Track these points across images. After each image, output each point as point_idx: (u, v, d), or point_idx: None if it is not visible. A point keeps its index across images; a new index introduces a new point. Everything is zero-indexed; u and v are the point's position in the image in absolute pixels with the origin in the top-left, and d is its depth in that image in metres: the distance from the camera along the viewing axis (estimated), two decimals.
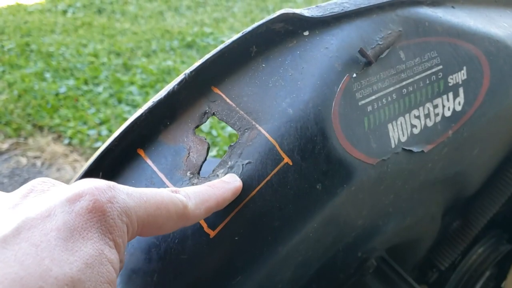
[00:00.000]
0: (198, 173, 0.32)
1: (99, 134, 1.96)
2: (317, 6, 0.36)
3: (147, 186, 0.32)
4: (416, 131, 0.37)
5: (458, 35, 0.41)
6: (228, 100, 0.33)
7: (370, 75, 0.34)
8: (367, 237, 0.41)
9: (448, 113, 0.39)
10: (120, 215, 0.23)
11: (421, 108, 0.38)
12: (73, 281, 0.20)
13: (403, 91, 0.36)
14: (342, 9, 0.35)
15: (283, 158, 0.31)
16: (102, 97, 2.27)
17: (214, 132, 1.93)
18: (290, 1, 4.24)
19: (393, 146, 0.35)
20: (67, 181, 1.75)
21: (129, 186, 0.25)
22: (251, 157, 0.31)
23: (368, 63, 0.34)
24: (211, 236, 0.30)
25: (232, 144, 0.32)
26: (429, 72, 0.38)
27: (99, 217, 0.22)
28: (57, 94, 2.33)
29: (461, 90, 0.40)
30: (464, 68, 0.40)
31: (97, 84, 2.45)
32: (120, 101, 2.26)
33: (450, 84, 0.40)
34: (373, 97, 0.34)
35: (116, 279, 0.23)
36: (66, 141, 1.98)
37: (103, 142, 1.88)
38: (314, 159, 0.31)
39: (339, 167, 0.32)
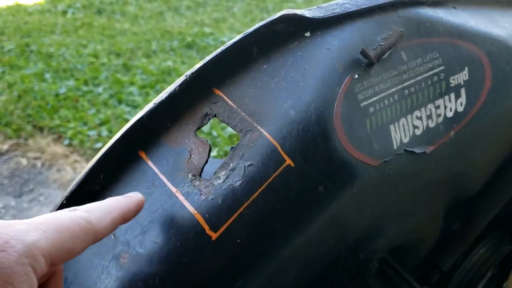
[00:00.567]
0: (200, 175, 0.32)
1: (100, 135, 1.96)
2: (318, 7, 0.36)
3: (148, 188, 0.32)
4: (418, 132, 0.37)
5: (460, 35, 0.41)
6: (229, 102, 0.33)
7: (372, 76, 0.34)
8: (369, 238, 0.41)
9: (450, 114, 0.39)
10: (18, 259, 0.20)
11: (423, 109, 0.37)
12: None
13: (405, 92, 0.36)
14: (344, 10, 0.35)
15: (285, 160, 0.31)
16: (102, 97, 2.27)
17: (214, 133, 1.93)
18: (290, 1, 4.24)
19: (395, 147, 0.35)
20: (68, 182, 1.75)
21: (20, 220, 0.23)
22: (253, 159, 0.31)
23: (370, 64, 0.34)
24: (212, 239, 0.30)
25: (234, 146, 0.32)
26: (431, 73, 0.38)
27: None
28: (57, 95, 2.33)
29: (463, 91, 0.40)
30: (466, 68, 0.40)
31: (97, 85, 2.44)
32: (120, 101, 2.25)
33: (452, 85, 0.39)
34: (375, 98, 0.34)
35: None
36: (67, 142, 1.98)
37: (104, 143, 1.88)
38: (316, 161, 0.31)
39: (342, 168, 0.32)
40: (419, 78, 0.38)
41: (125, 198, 0.28)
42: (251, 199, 0.30)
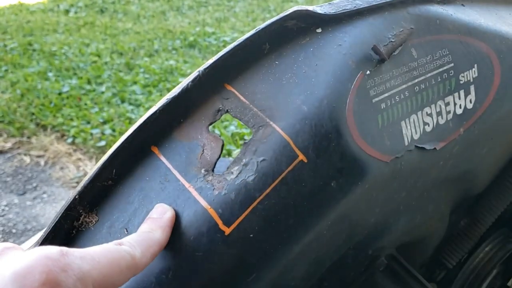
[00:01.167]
0: (213, 170, 0.32)
1: (103, 133, 1.96)
2: (329, 4, 0.36)
3: (161, 183, 0.32)
4: (428, 128, 0.37)
5: (469, 33, 0.41)
6: (241, 98, 0.33)
7: (383, 73, 0.34)
8: (378, 235, 0.41)
9: (459, 111, 0.39)
10: (75, 283, 0.22)
11: (433, 106, 0.38)
12: None
13: (415, 88, 0.36)
14: (355, 6, 0.35)
15: (298, 155, 0.31)
16: (105, 96, 2.27)
17: (216, 131, 1.93)
18: (292, 1, 4.24)
19: (406, 143, 0.35)
20: (71, 180, 1.75)
21: (78, 250, 0.25)
22: (266, 155, 0.31)
23: (381, 60, 0.34)
24: (226, 233, 0.30)
25: (246, 141, 0.32)
26: (440, 69, 0.38)
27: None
28: (60, 93, 2.33)
29: (472, 88, 0.40)
30: (475, 66, 0.40)
31: (100, 84, 2.45)
32: (123, 100, 2.26)
33: (461, 82, 0.40)
34: (387, 94, 0.34)
35: None
36: (70, 140, 1.98)
37: (107, 141, 1.89)
38: (329, 157, 0.31)
39: (354, 164, 0.32)
40: (429, 75, 0.38)
41: (158, 224, 0.30)
42: (264, 194, 0.30)
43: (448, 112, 0.39)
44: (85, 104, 2.20)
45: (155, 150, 0.33)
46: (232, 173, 0.31)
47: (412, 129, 0.36)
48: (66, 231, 0.33)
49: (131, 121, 2.03)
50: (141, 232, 0.29)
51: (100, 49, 2.94)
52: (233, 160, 0.32)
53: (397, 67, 0.36)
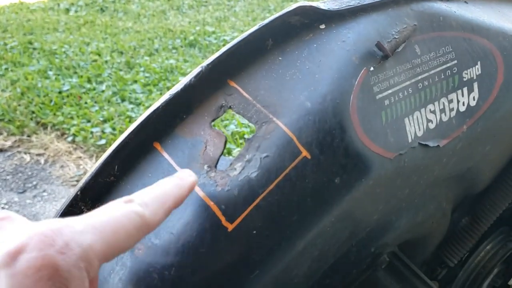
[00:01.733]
0: (215, 166, 0.32)
1: (103, 132, 1.96)
2: (333, 0, 0.36)
3: None
4: (432, 125, 0.37)
5: (473, 30, 0.41)
6: (244, 94, 0.33)
7: (387, 69, 0.34)
8: (381, 232, 0.41)
9: (462, 108, 0.39)
10: (76, 263, 0.20)
11: (436, 103, 0.37)
12: None
13: (418, 85, 0.36)
14: (358, 3, 0.35)
15: (301, 152, 0.31)
16: (105, 95, 2.27)
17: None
18: (292, 0, 4.23)
19: (410, 140, 0.35)
20: (71, 178, 1.75)
21: (78, 218, 0.22)
22: (269, 151, 0.31)
23: (385, 57, 0.34)
24: (229, 230, 0.30)
25: (250, 137, 0.32)
26: (444, 66, 0.38)
27: (51, 274, 0.19)
28: (60, 92, 2.33)
29: (475, 85, 0.40)
30: (479, 63, 0.40)
31: (100, 82, 2.45)
32: (123, 99, 2.26)
33: (464, 79, 0.39)
34: (390, 91, 0.34)
35: None
36: (70, 138, 1.98)
37: (107, 139, 1.88)
38: (332, 153, 0.31)
39: (358, 161, 0.32)
40: (433, 72, 0.38)
41: (178, 182, 0.27)
42: (267, 190, 0.30)
43: (451, 109, 0.39)
44: (86, 103, 2.20)
45: (157, 146, 0.33)
46: (235, 169, 0.31)
47: (415, 126, 0.36)
48: None
49: (131, 120, 2.03)
50: (157, 185, 0.27)
51: (100, 48, 2.94)
52: (236, 156, 0.32)
53: (401, 63, 0.36)
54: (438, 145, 0.37)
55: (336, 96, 0.31)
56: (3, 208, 1.65)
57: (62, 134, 2.03)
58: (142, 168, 0.33)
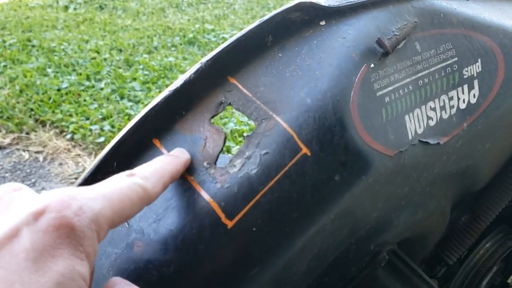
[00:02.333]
0: (215, 163, 0.32)
1: (102, 129, 1.96)
2: None
3: None
4: (432, 123, 0.37)
5: (473, 27, 0.41)
6: (244, 90, 0.33)
7: (387, 66, 0.34)
8: (380, 230, 0.41)
9: (463, 106, 0.39)
10: (89, 225, 0.23)
11: (436, 100, 0.37)
12: None
13: (419, 82, 0.36)
14: None
15: (301, 149, 0.30)
16: (104, 92, 2.27)
17: None
18: None
19: (410, 137, 0.35)
20: (70, 176, 1.75)
21: (89, 187, 0.25)
22: (269, 147, 0.31)
23: (386, 54, 0.34)
24: (228, 227, 0.30)
25: (249, 134, 0.32)
26: (444, 64, 0.38)
27: (68, 233, 0.22)
28: (59, 89, 2.32)
29: (476, 83, 0.40)
30: (479, 60, 0.40)
31: (99, 80, 2.44)
32: (122, 96, 2.25)
33: (465, 77, 0.39)
34: (390, 88, 0.34)
35: None
36: (69, 136, 1.98)
37: (106, 137, 1.88)
38: (332, 150, 0.31)
39: (358, 158, 0.31)
40: (433, 69, 0.37)
41: (174, 159, 0.30)
42: (267, 187, 0.30)
43: (451, 107, 0.38)
44: (84, 100, 2.20)
45: (156, 143, 0.33)
46: (234, 166, 0.31)
47: (416, 123, 0.36)
48: None
49: (130, 118, 2.02)
50: (155, 162, 0.29)
51: (99, 46, 2.93)
52: (236, 153, 0.32)
53: (401, 60, 0.35)
54: (439, 143, 0.37)
55: (337, 93, 0.31)
56: None
57: (61, 132, 2.02)
58: (141, 165, 0.33)
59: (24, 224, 0.21)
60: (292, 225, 0.31)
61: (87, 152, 1.87)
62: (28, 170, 1.82)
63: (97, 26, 3.39)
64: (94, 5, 3.97)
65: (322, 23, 0.34)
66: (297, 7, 0.34)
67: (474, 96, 0.40)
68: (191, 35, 3.16)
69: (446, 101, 0.38)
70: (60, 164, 1.83)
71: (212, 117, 0.33)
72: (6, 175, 1.81)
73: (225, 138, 0.32)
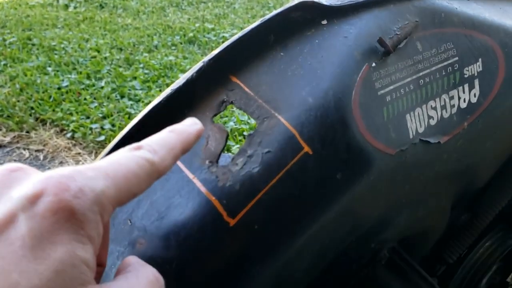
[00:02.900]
0: (217, 161, 0.32)
1: (102, 128, 1.96)
2: None
3: (165, 174, 0.32)
4: (433, 122, 0.37)
5: (474, 26, 0.41)
6: (246, 89, 0.33)
7: (388, 65, 0.34)
8: (381, 228, 0.41)
9: (463, 105, 0.39)
10: (90, 207, 0.21)
11: (437, 99, 0.38)
12: None
13: (420, 82, 0.36)
14: None
15: (303, 147, 0.31)
16: (104, 91, 2.27)
17: None
18: None
19: (411, 136, 0.35)
20: None
21: (90, 165, 0.23)
22: (271, 146, 0.31)
23: (387, 53, 0.34)
24: (230, 225, 0.30)
25: (251, 132, 0.32)
26: (445, 63, 0.38)
27: (67, 217, 0.20)
28: (59, 88, 2.32)
29: (476, 82, 0.40)
30: (480, 60, 0.40)
31: (100, 79, 2.44)
32: (122, 95, 2.25)
33: (466, 76, 0.40)
34: (392, 87, 0.34)
35: (92, 276, 0.21)
36: (69, 134, 1.98)
37: (106, 136, 1.88)
38: (334, 148, 0.31)
39: (359, 156, 0.32)
40: (434, 68, 0.38)
41: (186, 129, 0.27)
42: (269, 185, 0.30)
43: (452, 106, 0.39)
44: (85, 99, 2.20)
45: None
46: (236, 164, 0.31)
47: (417, 122, 0.36)
48: None
49: (130, 116, 2.02)
50: (165, 132, 0.27)
51: (99, 44, 2.93)
52: (238, 152, 0.32)
53: (402, 60, 0.36)
54: (439, 142, 0.37)
55: (338, 92, 0.31)
56: None
57: (61, 130, 2.02)
58: None
59: (19, 209, 0.20)
60: (293, 223, 0.31)
61: (88, 150, 1.87)
62: None
63: (98, 25, 3.39)
64: (94, 4, 3.96)
65: (324, 22, 0.35)
66: (299, 6, 0.34)
67: (475, 96, 0.40)
68: (191, 34, 3.16)
69: (447, 100, 0.38)
70: (61, 162, 1.83)
71: (214, 115, 0.33)
72: None
73: (227, 137, 0.32)
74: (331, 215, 0.32)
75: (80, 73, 2.49)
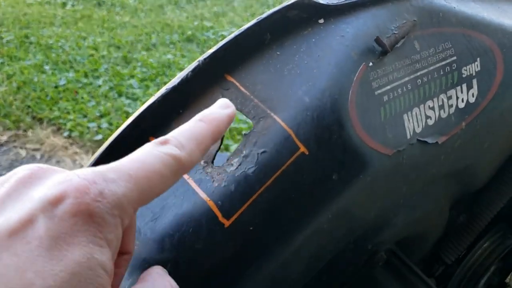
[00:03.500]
0: (212, 162, 0.31)
1: (99, 127, 1.95)
2: None
3: None
4: (430, 122, 0.37)
5: (472, 26, 0.40)
6: (242, 88, 0.32)
7: (386, 65, 0.34)
8: (378, 229, 0.41)
9: (461, 105, 0.39)
10: (110, 210, 0.21)
11: (435, 99, 0.37)
12: None
13: (417, 81, 0.36)
14: None
15: (299, 147, 0.30)
16: (102, 90, 2.26)
17: None
18: None
19: (408, 137, 0.35)
20: None
21: (112, 166, 0.23)
22: (266, 146, 0.30)
23: (384, 52, 0.34)
24: (225, 226, 0.30)
25: (247, 132, 0.32)
26: (443, 63, 0.38)
27: (86, 220, 0.21)
28: (56, 87, 2.32)
29: (474, 82, 0.40)
30: (478, 59, 0.40)
31: (97, 77, 2.44)
32: (120, 94, 2.25)
33: (464, 76, 0.39)
34: (389, 86, 0.34)
35: (109, 280, 0.21)
36: (66, 133, 1.97)
37: (103, 135, 1.88)
38: (330, 149, 0.31)
39: (356, 157, 0.31)
40: (432, 68, 0.37)
41: (216, 116, 0.26)
42: (264, 186, 0.30)
43: (450, 106, 0.38)
44: (82, 98, 2.19)
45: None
46: (232, 165, 0.31)
47: (414, 122, 0.35)
48: None
49: (128, 115, 2.02)
50: (194, 122, 0.26)
51: (97, 43, 2.93)
52: (233, 152, 0.31)
53: (400, 59, 0.35)
54: (437, 142, 0.37)
55: (335, 92, 0.31)
56: None
57: (58, 129, 2.02)
58: None
59: (40, 210, 0.20)
60: (289, 224, 0.31)
61: (85, 149, 1.87)
62: None
63: (95, 23, 3.39)
64: (92, 2, 3.95)
65: (321, 21, 0.34)
66: (296, 5, 0.33)
67: (473, 96, 0.40)
68: (189, 33, 3.15)
69: (445, 100, 0.38)
70: (58, 161, 1.82)
71: None
72: (3, 172, 1.80)
73: (223, 137, 0.32)
74: (327, 216, 0.32)
75: (78, 71, 2.49)
